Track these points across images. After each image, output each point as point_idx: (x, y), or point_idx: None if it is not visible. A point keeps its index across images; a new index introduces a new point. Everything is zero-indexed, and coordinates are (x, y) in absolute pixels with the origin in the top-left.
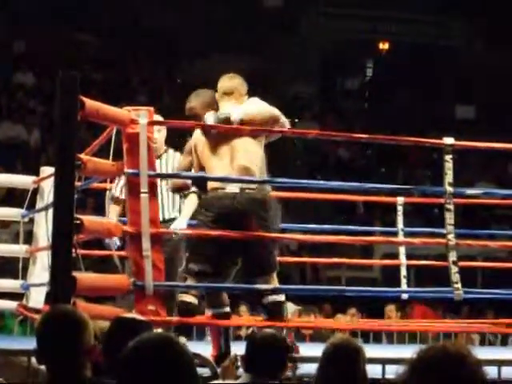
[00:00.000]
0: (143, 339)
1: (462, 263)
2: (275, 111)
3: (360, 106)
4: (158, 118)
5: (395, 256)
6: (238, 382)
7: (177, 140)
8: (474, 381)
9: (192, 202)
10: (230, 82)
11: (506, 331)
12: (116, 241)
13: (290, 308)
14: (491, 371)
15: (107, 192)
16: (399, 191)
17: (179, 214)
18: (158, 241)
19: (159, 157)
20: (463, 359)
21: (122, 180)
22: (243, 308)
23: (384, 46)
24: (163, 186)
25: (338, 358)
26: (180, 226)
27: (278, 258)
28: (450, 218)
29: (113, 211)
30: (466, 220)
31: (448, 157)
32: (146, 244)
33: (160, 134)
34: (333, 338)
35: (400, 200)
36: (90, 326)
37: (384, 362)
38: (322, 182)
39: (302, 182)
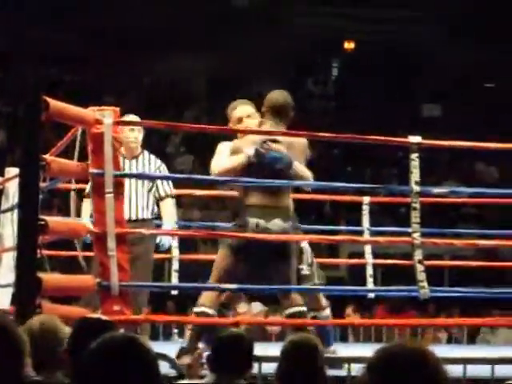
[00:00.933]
0: (106, 339)
1: (428, 262)
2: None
3: (326, 106)
4: (133, 118)
5: (361, 255)
6: (203, 381)
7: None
8: (434, 377)
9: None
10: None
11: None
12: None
13: (257, 308)
14: (457, 369)
15: (72, 192)
16: (366, 190)
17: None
18: (124, 241)
19: (135, 157)
20: (422, 356)
21: None
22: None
23: (350, 45)
24: (139, 186)
25: (296, 355)
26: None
27: None
28: (415, 216)
29: (85, 209)
30: (433, 219)
31: (414, 155)
32: (111, 244)
33: (139, 135)
34: (292, 335)
35: (366, 199)
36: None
37: (349, 360)
38: (286, 181)
39: (266, 182)
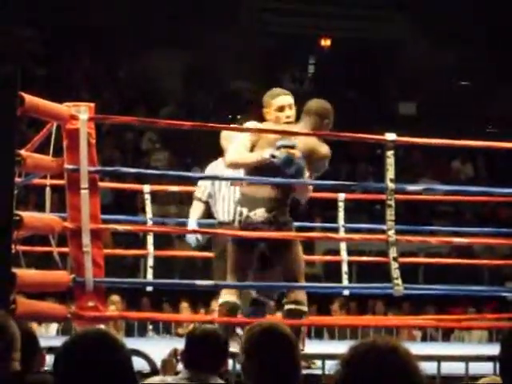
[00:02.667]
0: (79, 334)
1: (403, 259)
2: None
3: (302, 103)
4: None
5: (337, 252)
6: (176, 377)
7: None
8: (406, 373)
9: None
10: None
11: (447, 326)
12: (198, 237)
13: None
14: (431, 367)
15: (47, 188)
16: (341, 187)
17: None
18: (99, 237)
19: None
20: (395, 352)
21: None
22: (185, 304)
23: (326, 42)
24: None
25: (263, 344)
26: None
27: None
28: (390, 214)
29: (194, 211)
30: (408, 216)
31: (390, 153)
32: (86, 240)
33: None
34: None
35: (341, 196)
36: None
37: (324, 357)
38: (258, 177)
39: (242, 178)
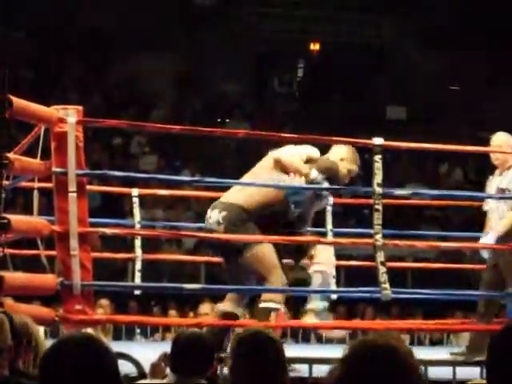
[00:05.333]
0: (65, 338)
1: (391, 264)
2: None
3: (291, 107)
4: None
5: None
6: (164, 381)
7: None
8: (405, 370)
9: None
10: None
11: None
12: None
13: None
14: None
15: (35, 191)
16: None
17: None
18: (86, 240)
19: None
20: (395, 348)
21: None
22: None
23: (315, 46)
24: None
25: (244, 350)
26: None
27: (208, 258)
28: (378, 218)
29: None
30: (396, 221)
31: (377, 157)
32: (73, 243)
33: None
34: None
35: (329, 201)
36: (5, 326)
37: (311, 361)
38: (250, 180)
39: (230, 182)
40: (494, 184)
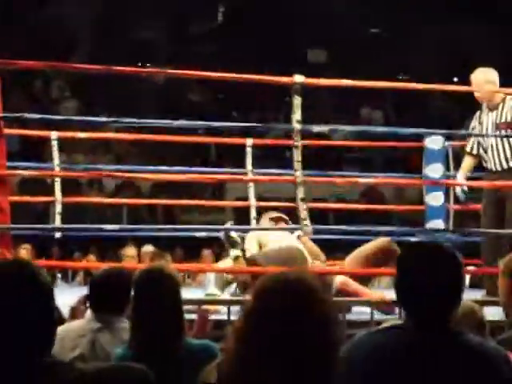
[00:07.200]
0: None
1: (313, 204)
2: None
3: (211, 51)
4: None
5: (246, 199)
6: (82, 320)
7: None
8: (317, 303)
9: None
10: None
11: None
12: (464, 188)
13: (148, 249)
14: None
15: None
16: (248, 130)
17: None
18: (4, 183)
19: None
20: (305, 283)
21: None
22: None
23: None
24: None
25: (141, 283)
26: None
27: (130, 201)
28: (297, 155)
29: (465, 165)
30: (317, 162)
31: (297, 95)
32: None
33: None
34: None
35: (249, 141)
36: None
37: (230, 303)
38: (169, 121)
39: (149, 122)
40: (488, 121)
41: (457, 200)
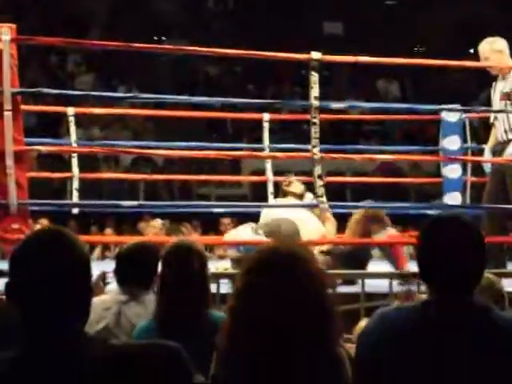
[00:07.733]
0: (36, 232)
1: (330, 178)
2: None
3: (228, 24)
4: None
5: (263, 173)
6: (107, 296)
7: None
8: (308, 276)
9: None
10: None
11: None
12: None
13: (157, 222)
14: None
15: None
16: (266, 106)
17: None
18: (22, 159)
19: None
20: (295, 255)
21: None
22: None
23: None
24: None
25: (170, 259)
26: None
27: (146, 176)
28: (315, 131)
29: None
30: (334, 137)
31: (314, 71)
32: (9, 162)
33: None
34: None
35: (266, 116)
36: None
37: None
38: (186, 97)
39: (167, 98)
40: (497, 90)
41: (474, 172)
